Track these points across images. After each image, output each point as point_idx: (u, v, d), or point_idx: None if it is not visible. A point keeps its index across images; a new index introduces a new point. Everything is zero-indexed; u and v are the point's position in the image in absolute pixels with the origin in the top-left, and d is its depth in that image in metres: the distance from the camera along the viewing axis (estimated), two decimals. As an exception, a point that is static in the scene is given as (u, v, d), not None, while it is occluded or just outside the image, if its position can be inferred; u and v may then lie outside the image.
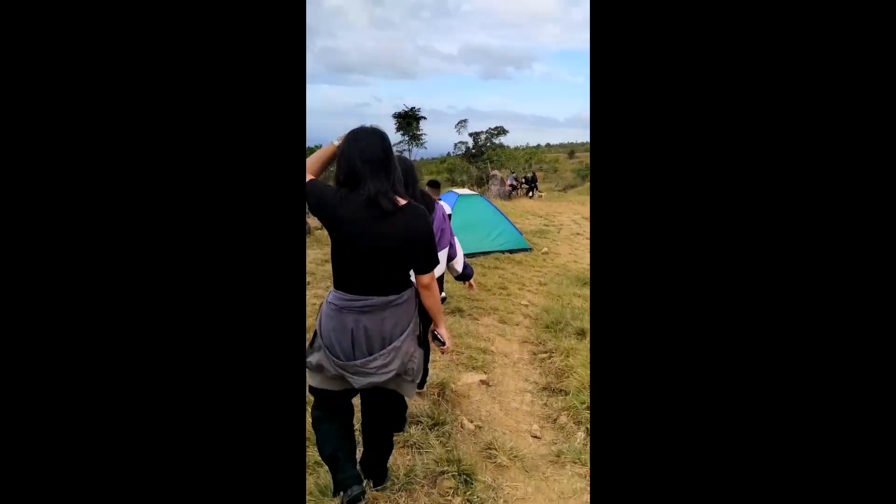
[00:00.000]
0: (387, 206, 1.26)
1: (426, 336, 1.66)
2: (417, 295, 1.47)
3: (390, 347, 1.36)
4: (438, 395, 2.48)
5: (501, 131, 32.77)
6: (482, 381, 2.73)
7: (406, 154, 39.40)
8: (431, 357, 2.56)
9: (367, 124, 1.36)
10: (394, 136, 40.06)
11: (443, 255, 2.15)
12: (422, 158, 39.55)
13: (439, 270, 2.12)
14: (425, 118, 39.31)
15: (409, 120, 37.67)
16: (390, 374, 1.37)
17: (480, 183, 16.00)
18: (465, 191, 7.58)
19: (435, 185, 4.31)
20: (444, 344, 1.57)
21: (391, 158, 1.33)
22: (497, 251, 6.43)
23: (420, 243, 1.34)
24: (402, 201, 1.31)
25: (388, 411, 1.58)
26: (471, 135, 36.82)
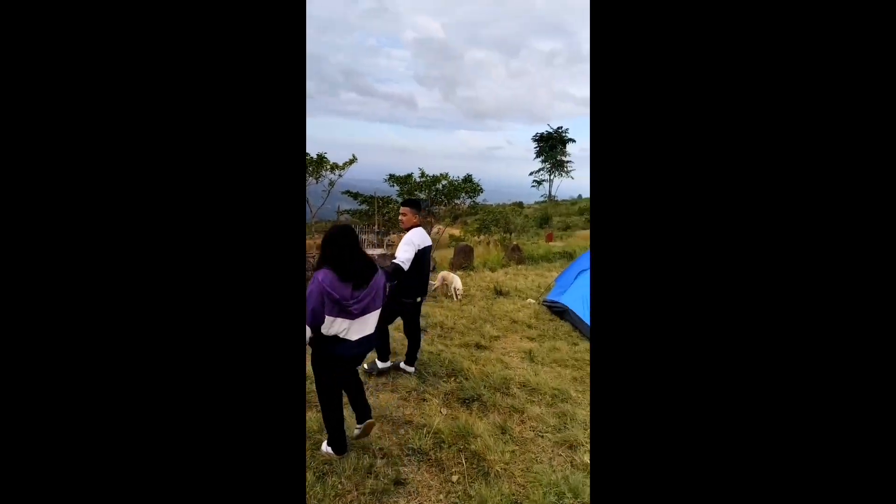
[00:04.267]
0: None
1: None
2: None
3: None
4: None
5: None
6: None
7: (546, 185, 35.37)
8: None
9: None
10: (532, 163, 36.27)
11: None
12: (552, 198, 36.36)
13: None
14: (574, 141, 34.21)
15: (553, 143, 33.07)
16: None
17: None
18: None
19: (411, 204, 3.30)
20: None
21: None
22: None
23: None
24: None
25: None
26: (612, 173, 33.27)
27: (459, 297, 5.71)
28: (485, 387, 3.18)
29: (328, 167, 11.59)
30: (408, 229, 3.18)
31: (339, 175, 11.97)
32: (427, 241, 3.19)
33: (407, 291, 3.17)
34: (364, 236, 13.71)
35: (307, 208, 12.21)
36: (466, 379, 3.30)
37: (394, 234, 15.11)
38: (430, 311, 5.14)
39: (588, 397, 3.15)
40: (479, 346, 4.08)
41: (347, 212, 15.66)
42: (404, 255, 3.02)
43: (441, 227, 14.60)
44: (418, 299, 3.26)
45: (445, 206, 13.85)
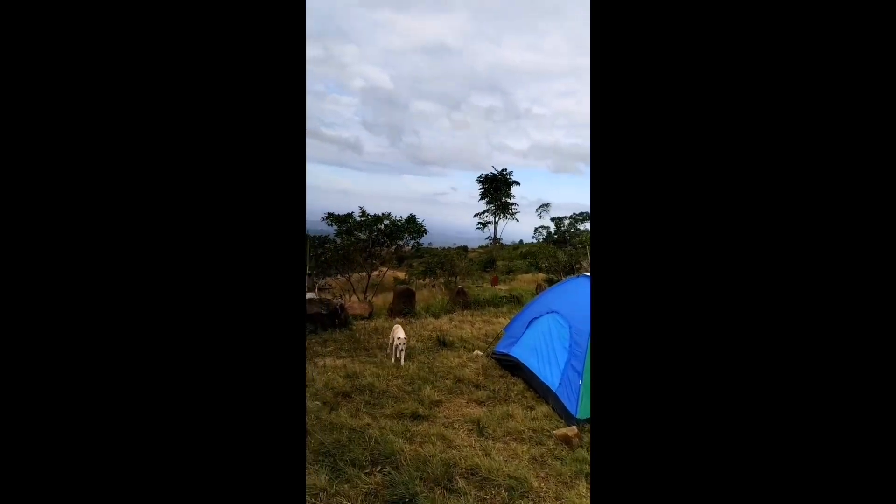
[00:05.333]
0: None
1: None
2: None
3: None
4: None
5: (587, 217, 30.39)
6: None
7: (491, 227, 36.29)
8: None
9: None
10: (477, 205, 37.07)
11: None
12: (497, 240, 37.16)
13: None
14: (518, 183, 34.80)
15: (497, 184, 33.56)
16: None
17: (569, 270, 13.91)
18: None
19: None
20: None
21: None
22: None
23: None
24: None
25: None
26: (553, 220, 34.70)
27: (399, 354, 4.78)
28: (421, 479, 2.39)
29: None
30: None
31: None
32: None
33: None
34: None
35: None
36: (397, 468, 2.50)
37: (328, 277, 14.10)
38: (360, 369, 4.29)
39: (553, 487, 2.45)
40: (415, 417, 3.29)
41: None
42: None
43: (384, 269, 13.80)
44: None
45: (388, 247, 13.11)
